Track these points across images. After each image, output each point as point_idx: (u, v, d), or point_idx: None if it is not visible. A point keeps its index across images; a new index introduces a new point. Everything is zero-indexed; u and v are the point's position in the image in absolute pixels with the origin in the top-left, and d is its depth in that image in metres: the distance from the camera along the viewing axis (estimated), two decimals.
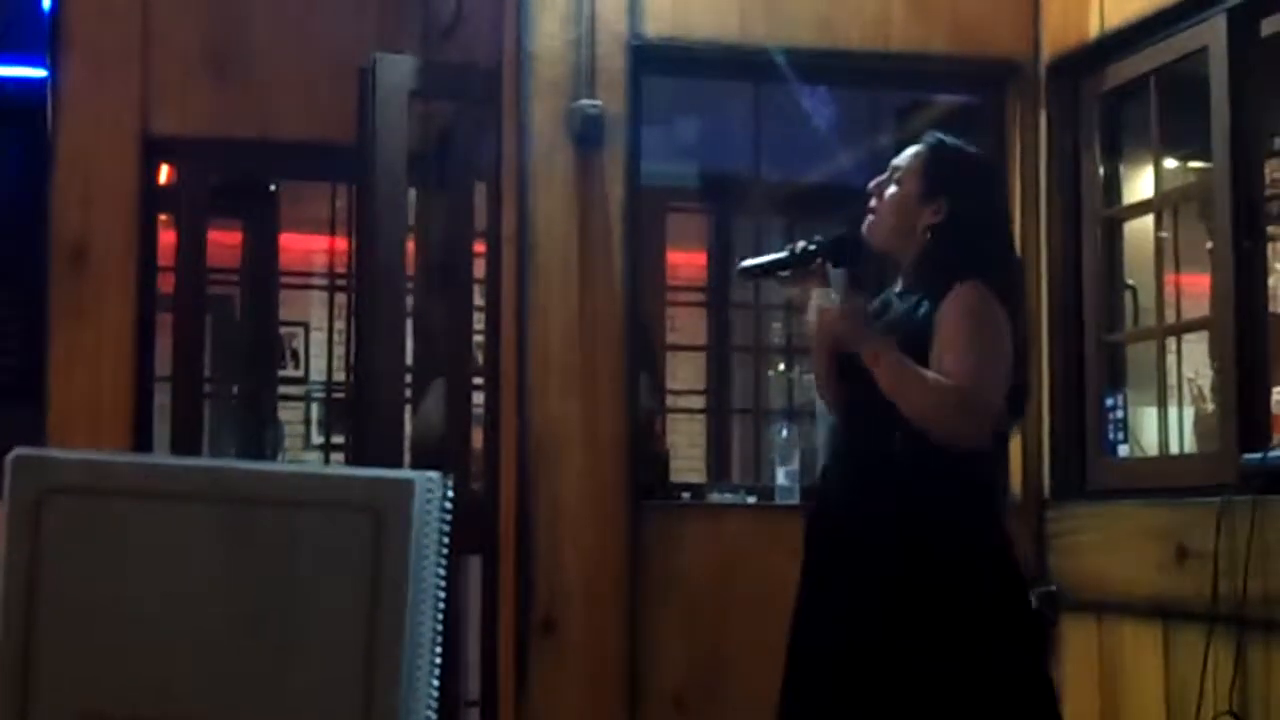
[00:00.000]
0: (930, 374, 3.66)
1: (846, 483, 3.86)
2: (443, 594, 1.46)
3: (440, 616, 1.45)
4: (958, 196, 3.86)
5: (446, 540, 1.48)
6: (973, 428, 3.67)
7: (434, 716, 1.49)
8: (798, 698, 3.83)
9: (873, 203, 3.97)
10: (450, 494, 1.48)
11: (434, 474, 1.49)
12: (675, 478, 5.93)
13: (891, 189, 3.93)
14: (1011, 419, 3.99)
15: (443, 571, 1.47)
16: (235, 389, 7.76)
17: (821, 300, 3.86)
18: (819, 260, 3.90)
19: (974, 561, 3.73)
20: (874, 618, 3.70)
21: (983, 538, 3.77)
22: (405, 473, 1.48)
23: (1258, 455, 4.47)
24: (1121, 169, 5.59)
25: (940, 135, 4.00)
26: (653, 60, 5.47)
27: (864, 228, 3.99)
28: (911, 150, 3.98)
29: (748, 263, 4.11)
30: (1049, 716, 3.79)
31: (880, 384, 3.70)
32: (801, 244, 3.94)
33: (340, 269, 7.08)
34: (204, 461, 1.62)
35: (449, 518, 1.48)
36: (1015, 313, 3.85)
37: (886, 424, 3.69)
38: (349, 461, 6.55)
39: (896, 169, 3.95)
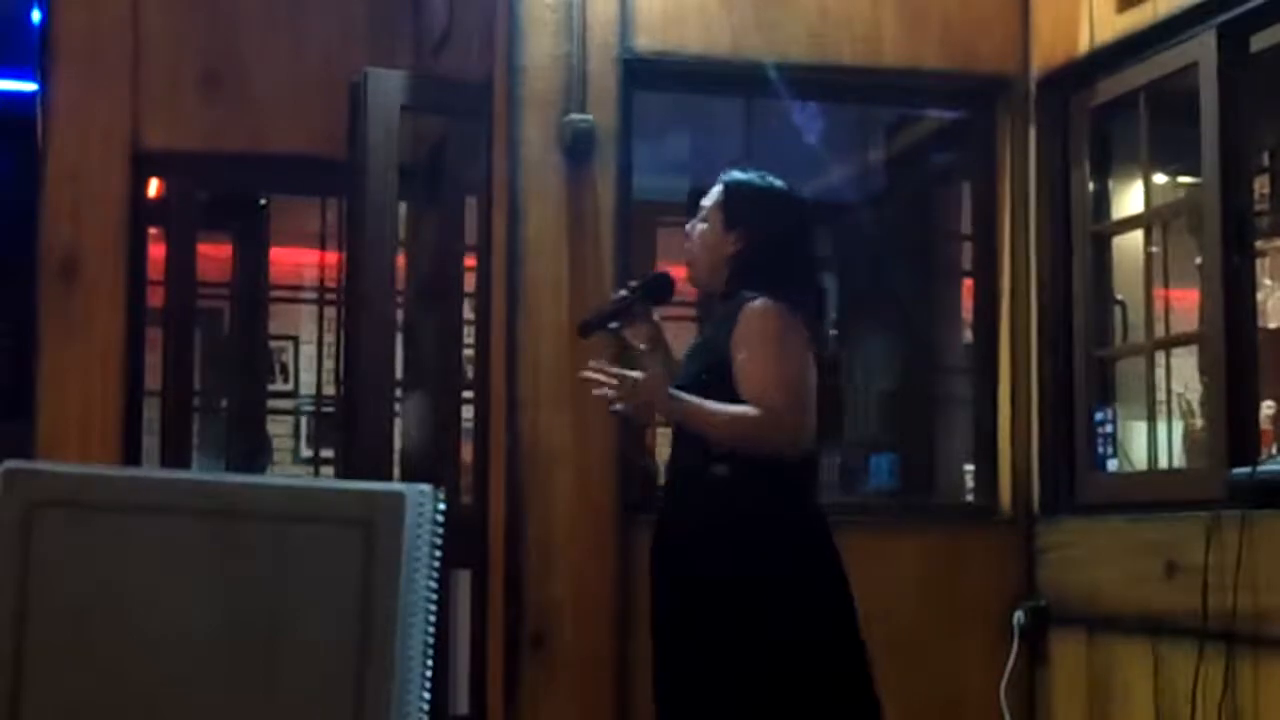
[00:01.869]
0: (733, 409, 3.94)
1: (674, 497, 4.20)
2: (434, 607, 1.46)
3: (431, 630, 1.44)
4: (753, 226, 4.20)
5: (438, 554, 1.47)
6: (787, 443, 3.97)
7: None
8: (655, 697, 4.15)
9: (687, 244, 4.35)
10: (442, 506, 1.48)
11: (425, 487, 1.48)
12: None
13: (701, 227, 4.28)
14: (828, 430, 4.44)
15: (434, 585, 1.47)
16: (225, 403, 7.74)
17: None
18: (638, 304, 4.28)
19: (786, 565, 4.01)
20: (694, 623, 4.00)
21: (798, 544, 4.05)
22: (396, 486, 1.48)
23: (1246, 470, 4.47)
24: (1111, 184, 5.60)
25: (737, 172, 4.33)
26: (644, 75, 5.47)
27: (686, 266, 4.38)
28: (713, 189, 4.32)
29: (583, 322, 4.46)
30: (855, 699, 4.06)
31: (696, 430, 4.02)
32: (620, 292, 4.33)
33: (330, 283, 7.07)
34: (195, 475, 1.62)
35: (440, 531, 1.48)
36: (814, 329, 4.17)
37: (704, 449, 4.01)
38: (338, 475, 6.54)
39: (703, 208, 4.31)
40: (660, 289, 4.39)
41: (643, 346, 4.34)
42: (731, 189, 4.27)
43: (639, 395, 3.98)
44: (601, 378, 4.00)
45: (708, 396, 3.98)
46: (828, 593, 4.06)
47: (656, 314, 4.37)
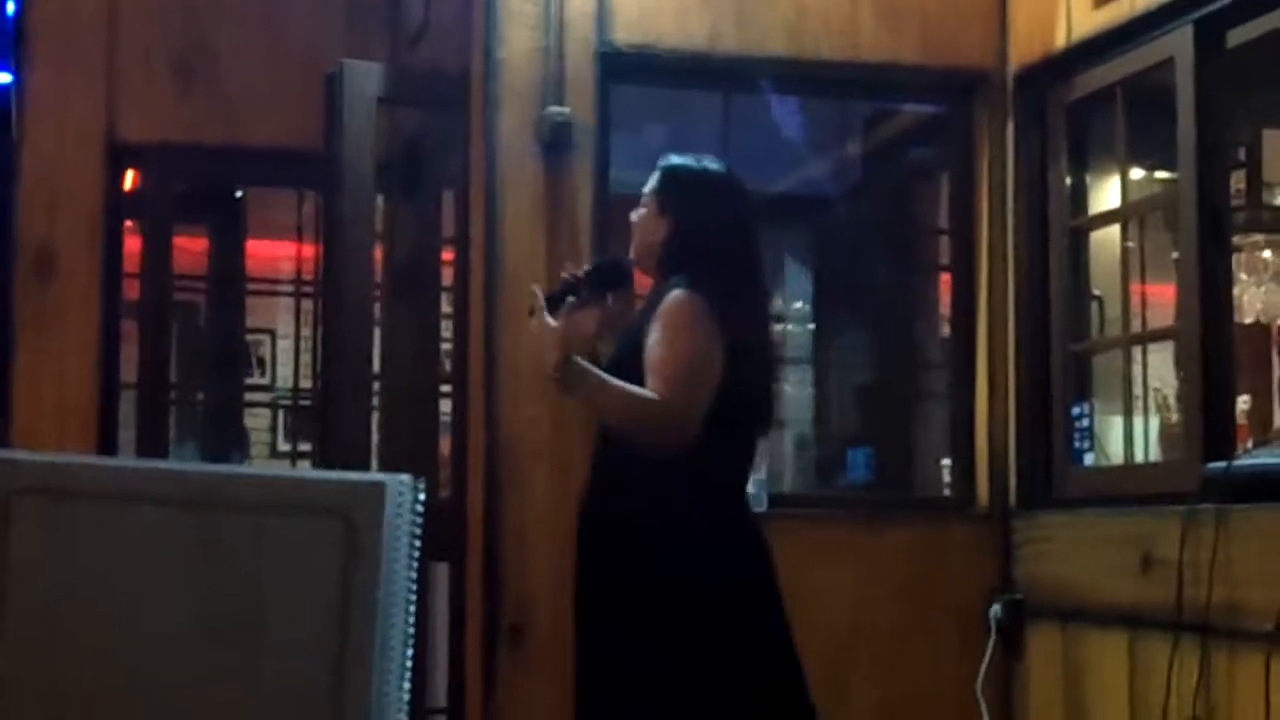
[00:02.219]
0: (630, 389, 3.88)
1: (591, 487, 4.14)
2: (413, 597, 1.46)
3: (411, 620, 1.44)
4: (681, 214, 4.16)
5: (417, 543, 1.47)
6: (669, 436, 3.87)
7: (404, 718, 1.48)
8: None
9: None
10: (422, 496, 1.48)
11: (405, 477, 1.48)
12: None
13: (640, 212, 4.25)
14: (760, 424, 4.25)
15: (413, 575, 1.47)
16: (201, 396, 7.73)
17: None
18: (586, 289, 4.17)
19: (711, 566, 3.94)
20: (605, 616, 3.99)
21: (711, 536, 3.97)
22: (376, 476, 1.47)
23: (1222, 465, 4.48)
24: (1088, 179, 5.61)
25: (673, 157, 4.29)
26: (622, 68, 5.47)
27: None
28: (654, 174, 4.28)
29: (532, 307, 4.38)
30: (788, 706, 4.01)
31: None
32: (570, 274, 4.21)
33: (307, 276, 7.06)
34: (175, 465, 1.61)
35: (420, 521, 1.47)
36: (738, 319, 4.04)
37: (625, 440, 3.95)
38: (316, 469, 6.53)
39: (644, 193, 4.27)
40: (613, 277, 4.28)
41: (591, 331, 4.20)
42: (667, 174, 4.23)
43: (541, 341, 3.96)
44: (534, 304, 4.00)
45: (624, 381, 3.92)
46: (756, 597, 4.03)
47: (611, 299, 4.27)
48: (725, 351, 3.94)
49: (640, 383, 3.88)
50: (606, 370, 3.99)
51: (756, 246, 4.28)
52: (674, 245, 4.13)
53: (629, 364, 3.94)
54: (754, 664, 3.99)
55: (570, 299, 4.10)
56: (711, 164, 4.27)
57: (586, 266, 4.29)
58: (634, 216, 4.27)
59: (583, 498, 4.17)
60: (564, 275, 4.22)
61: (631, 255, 4.28)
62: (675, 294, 3.97)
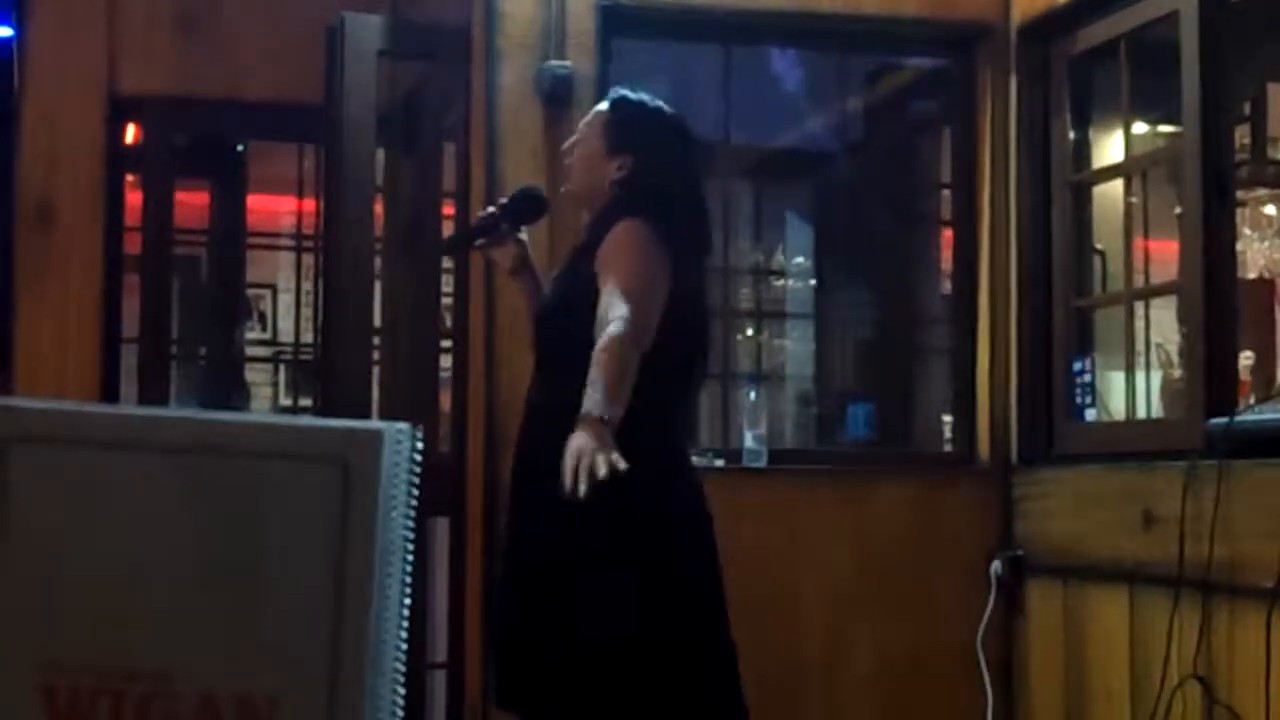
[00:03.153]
0: (602, 362, 3.63)
1: (535, 430, 3.97)
2: (411, 546, 1.46)
3: (408, 569, 1.44)
4: (639, 153, 4.03)
5: (415, 492, 1.47)
6: (643, 344, 3.70)
7: (402, 667, 1.48)
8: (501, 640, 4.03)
9: (566, 161, 4.19)
10: (419, 445, 1.48)
11: (403, 425, 1.48)
12: None
13: (582, 147, 4.11)
14: (692, 379, 4.10)
15: (411, 524, 1.46)
16: (203, 350, 7.73)
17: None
18: (505, 223, 4.12)
19: (646, 500, 3.78)
20: (551, 556, 3.83)
21: (661, 485, 3.85)
22: (374, 424, 1.47)
23: (1224, 420, 4.47)
24: (1091, 133, 5.59)
25: (624, 91, 4.17)
26: (623, 22, 5.44)
27: (562, 186, 4.22)
28: (596, 108, 4.17)
29: (446, 240, 4.28)
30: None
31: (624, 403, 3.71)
32: (488, 209, 4.14)
33: (308, 230, 7.05)
34: (172, 412, 1.61)
35: (418, 469, 1.47)
36: (686, 258, 3.96)
37: (570, 377, 3.71)
38: None
39: (583, 124, 4.15)
40: (530, 209, 4.25)
41: (508, 266, 4.22)
42: (620, 109, 4.10)
43: (595, 454, 3.56)
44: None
45: (571, 320, 3.82)
46: (689, 531, 3.92)
47: (525, 233, 4.26)
48: (670, 292, 3.84)
49: (590, 320, 3.74)
50: (552, 312, 3.96)
51: (704, 197, 4.20)
52: (632, 185, 4.01)
53: (579, 299, 3.83)
54: (675, 591, 3.85)
55: (481, 239, 4.07)
56: (660, 103, 4.15)
57: (502, 199, 4.21)
58: (574, 149, 4.15)
59: (522, 441, 4.06)
60: (486, 210, 4.15)
61: (570, 189, 4.18)
62: (626, 222, 3.87)
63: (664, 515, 3.88)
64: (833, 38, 5.82)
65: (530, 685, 3.91)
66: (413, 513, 1.46)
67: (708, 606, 3.92)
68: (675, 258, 3.89)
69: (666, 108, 4.15)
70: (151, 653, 1.47)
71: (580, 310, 3.80)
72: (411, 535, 1.46)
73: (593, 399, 3.59)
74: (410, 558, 1.45)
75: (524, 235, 4.31)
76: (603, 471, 3.43)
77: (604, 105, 4.16)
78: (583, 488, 3.43)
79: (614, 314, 3.69)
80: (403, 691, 1.49)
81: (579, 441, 3.50)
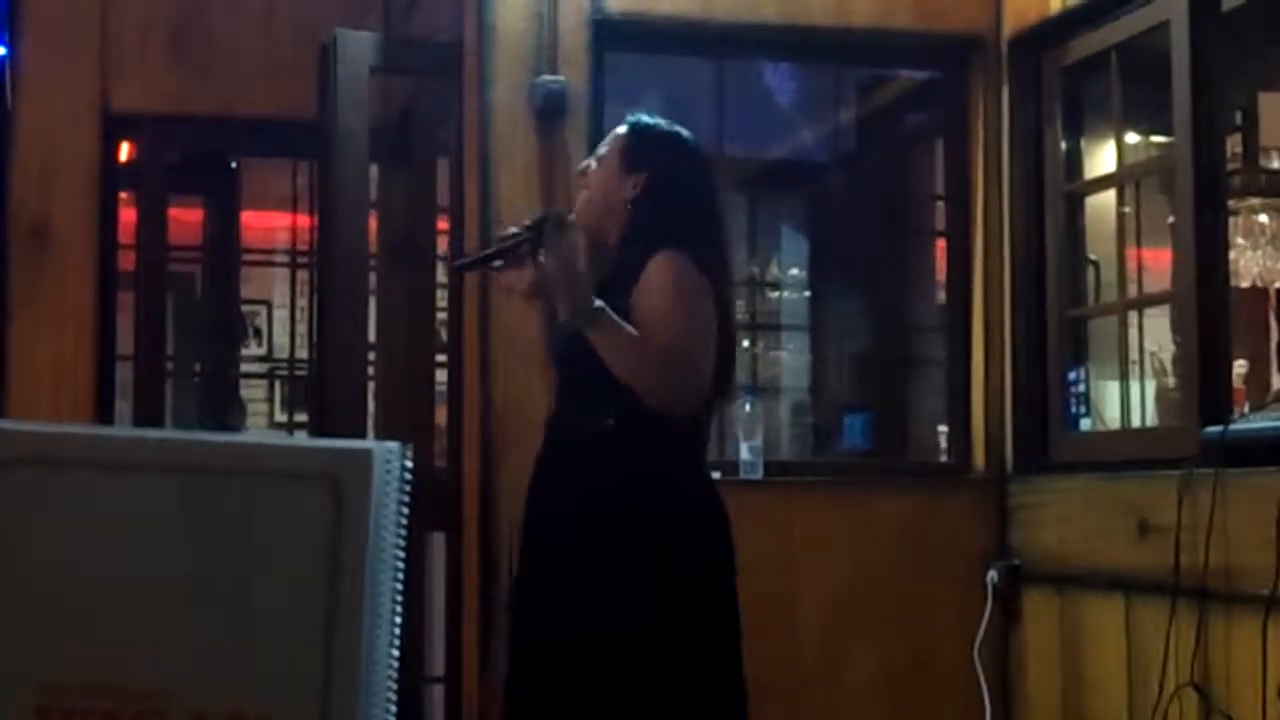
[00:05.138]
0: (637, 339, 3.71)
1: (559, 459, 3.93)
2: (402, 564, 1.46)
3: (400, 586, 1.44)
4: (655, 170, 3.98)
5: (406, 510, 1.47)
6: (681, 392, 3.73)
7: (394, 685, 1.48)
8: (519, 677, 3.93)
9: (581, 184, 4.12)
10: (409, 464, 1.48)
11: (393, 444, 1.48)
12: None
13: (597, 169, 4.05)
14: (719, 396, 4.04)
15: (402, 541, 1.47)
16: (198, 367, 7.73)
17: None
18: (525, 246, 3.91)
19: (678, 530, 3.79)
20: (584, 586, 3.76)
21: (689, 510, 3.84)
22: (364, 443, 1.47)
23: (1219, 429, 4.48)
24: (1083, 143, 5.59)
25: (640, 115, 4.11)
26: (615, 36, 5.45)
27: (575, 211, 4.11)
28: (614, 131, 4.11)
29: (460, 261, 4.19)
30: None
31: (597, 347, 3.73)
32: (508, 231, 3.99)
33: (302, 246, 7.06)
34: (161, 433, 1.61)
35: (408, 487, 1.47)
36: (719, 284, 3.90)
37: (601, 402, 3.76)
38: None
39: (601, 149, 4.09)
40: (555, 233, 3.99)
41: (523, 290, 3.98)
42: (636, 130, 4.05)
43: (563, 270, 3.73)
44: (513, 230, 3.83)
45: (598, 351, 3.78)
46: (719, 564, 3.88)
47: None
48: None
49: None
50: (574, 342, 3.81)
51: (723, 214, 4.18)
52: (648, 204, 3.95)
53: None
54: (713, 631, 3.85)
55: (499, 262, 3.95)
56: (678, 126, 4.12)
57: (526, 221, 4.00)
58: (586, 172, 4.09)
59: (541, 467, 4.00)
60: (509, 231, 3.99)
61: (582, 219, 4.07)
62: (667, 256, 3.80)
63: (705, 544, 3.87)
64: (825, 50, 5.82)
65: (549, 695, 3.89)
66: (404, 531, 1.47)
67: (734, 629, 3.90)
68: (713, 283, 3.84)
69: (684, 131, 4.11)
70: (144, 672, 1.47)
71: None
72: (403, 553, 1.46)
73: (608, 315, 3.69)
74: (402, 575, 1.45)
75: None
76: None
77: (621, 129, 4.10)
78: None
79: (666, 351, 3.71)
80: (394, 709, 1.50)
81: (552, 268, 3.71)
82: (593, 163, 4.09)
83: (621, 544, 3.73)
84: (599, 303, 3.73)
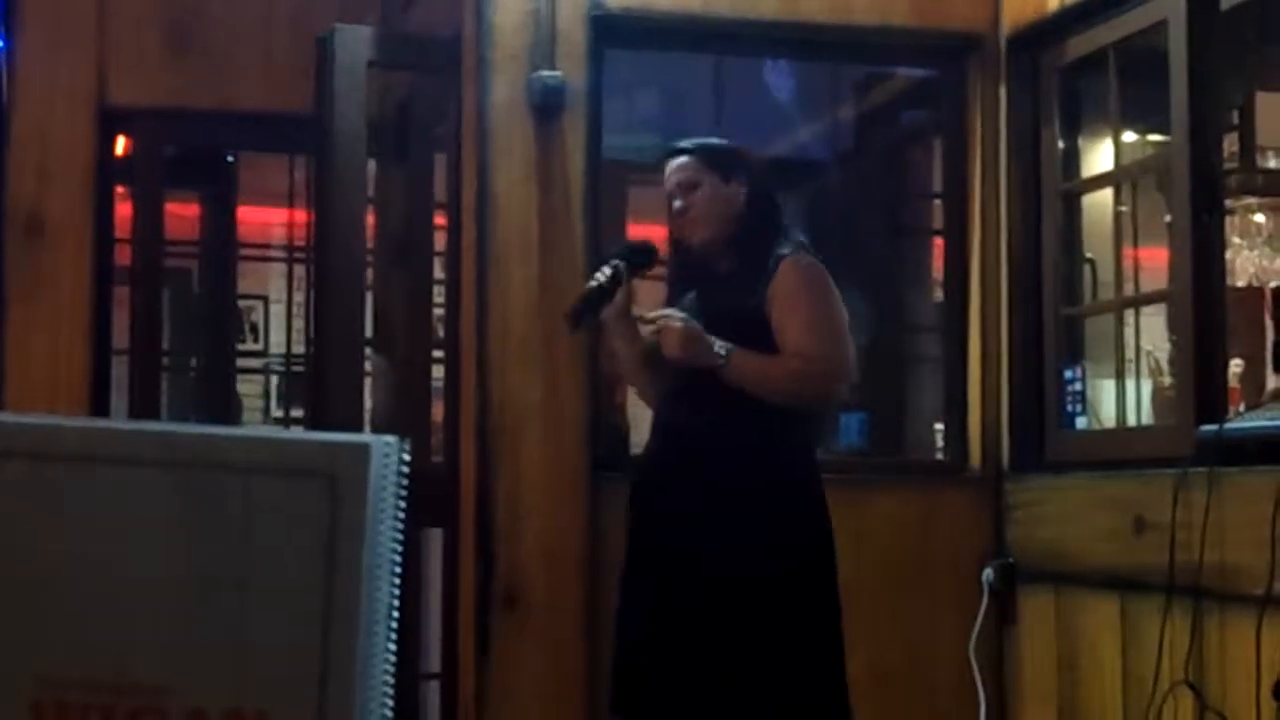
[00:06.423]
0: (784, 358, 4.01)
1: (682, 457, 4.17)
2: (399, 559, 1.46)
3: (397, 581, 1.44)
4: (749, 179, 4.28)
5: (403, 504, 1.47)
6: (837, 388, 4.16)
7: (391, 680, 1.48)
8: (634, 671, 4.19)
9: (678, 204, 4.27)
10: (406, 457, 1.48)
11: (390, 438, 1.48)
12: (635, 450, 5.92)
13: (695, 192, 4.24)
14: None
15: (399, 536, 1.46)
16: (194, 362, 7.72)
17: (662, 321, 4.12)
18: (629, 277, 4.18)
19: (820, 522, 4.16)
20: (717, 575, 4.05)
21: (807, 501, 4.16)
22: (361, 437, 1.47)
23: (1214, 428, 4.48)
24: (1081, 142, 5.60)
25: (683, 141, 4.35)
26: (614, 31, 5.45)
27: (683, 232, 4.30)
28: (680, 160, 4.29)
29: (572, 311, 4.29)
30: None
31: (743, 384, 4.01)
32: (607, 270, 4.20)
33: (299, 241, 7.05)
34: (156, 426, 1.60)
35: (405, 481, 1.47)
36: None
37: (726, 411, 4.04)
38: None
39: (684, 177, 4.26)
40: (645, 260, 4.33)
41: (610, 316, 4.26)
42: (708, 149, 4.29)
43: (687, 336, 3.99)
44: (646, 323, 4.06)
45: None
46: (831, 557, 4.20)
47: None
48: None
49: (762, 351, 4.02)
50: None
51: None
52: (753, 212, 4.21)
53: (746, 341, 4.02)
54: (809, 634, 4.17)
55: (607, 303, 4.15)
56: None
57: (618, 261, 4.24)
58: (685, 199, 4.25)
59: (660, 468, 4.23)
60: (606, 271, 4.18)
61: (701, 236, 4.25)
62: (799, 258, 4.09)
63: (823, 541, 4.18)
64: (823, 48, 5.83)
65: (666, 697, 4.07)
66: (401, 525, 1.46)
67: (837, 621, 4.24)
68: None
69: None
70: (140, 668, 1.47)
71: (746, 346, 4.00)
72: (400, 548, 1.46)
73: (751, 354, 3.94)
74: (399, 570, 1.45)
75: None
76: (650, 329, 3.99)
77: (684, 157, 4.28)
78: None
79: (825, 352, 4.02)
80: (392, 704, 1.49)
81: (689, 332, 3.93)
82: (678, 199, 4.24)
83: (770, 544, 4.03)
84: (727, 346, 3.93)
